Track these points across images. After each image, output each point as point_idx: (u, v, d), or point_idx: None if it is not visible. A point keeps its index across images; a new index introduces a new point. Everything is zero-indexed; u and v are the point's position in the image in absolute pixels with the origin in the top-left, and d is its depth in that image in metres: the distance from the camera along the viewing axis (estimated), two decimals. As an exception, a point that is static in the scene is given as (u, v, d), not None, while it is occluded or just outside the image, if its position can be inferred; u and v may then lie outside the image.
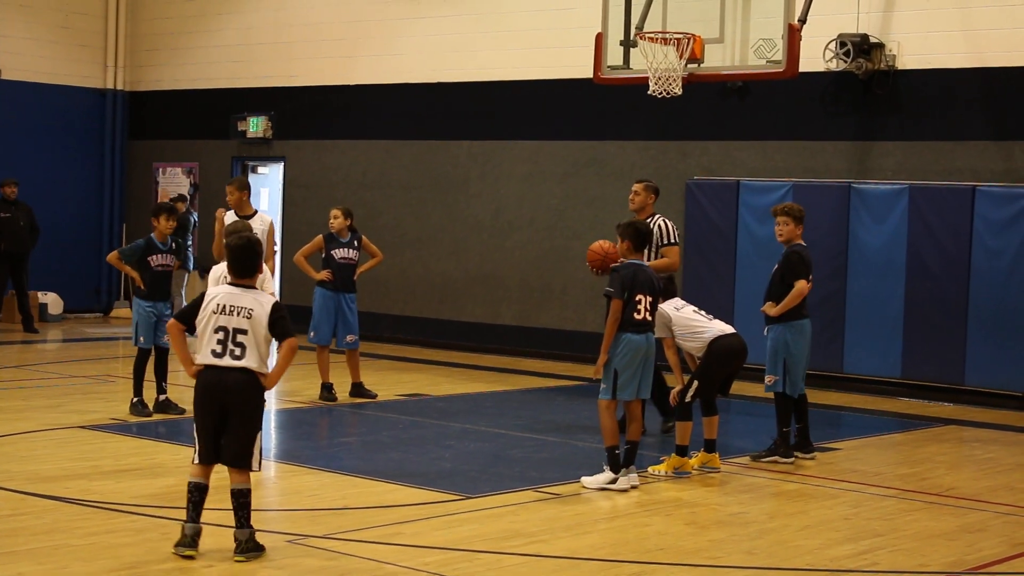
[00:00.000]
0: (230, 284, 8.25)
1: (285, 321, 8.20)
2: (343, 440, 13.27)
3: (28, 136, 23.27)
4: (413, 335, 20.82)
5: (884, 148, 16.97)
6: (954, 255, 16.14)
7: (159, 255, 13.33)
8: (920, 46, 16.62)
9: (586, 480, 10.63)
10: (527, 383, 17.10)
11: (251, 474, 8.15)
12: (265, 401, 8.26)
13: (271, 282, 13.42)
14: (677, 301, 11.64)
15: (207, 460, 8.12)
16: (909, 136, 16.77)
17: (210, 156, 23.51)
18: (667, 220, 13.04)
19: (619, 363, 10.51)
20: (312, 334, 14.77)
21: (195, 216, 22.65)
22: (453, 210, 20.61)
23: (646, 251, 12.72)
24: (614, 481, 10.52)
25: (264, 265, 9.28)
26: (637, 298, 10.53)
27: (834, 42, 16.66)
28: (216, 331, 8.05)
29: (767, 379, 11.97)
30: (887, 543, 9.16)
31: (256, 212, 14.85)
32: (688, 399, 11.26)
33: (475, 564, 8.22)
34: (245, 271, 8.25)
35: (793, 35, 14.10)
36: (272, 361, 8.21)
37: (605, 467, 10.59)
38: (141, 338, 13.27)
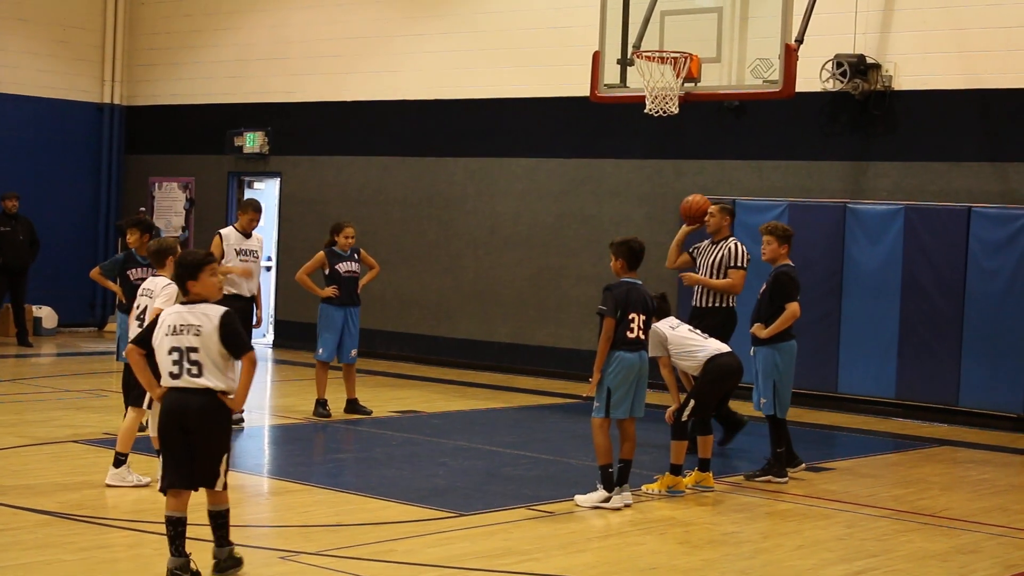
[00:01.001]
0: (182, 303, 8.02)
1: (238, 335, 7.93)
2: (337, 457, 13.25)
3: (25, 150, 23.26)
4: (408, 351, 20.81)
5: (880, 168, 16.98)
6: (949, 276, 16.15)
7: (138, 269, 13.26)
8: (916, 67, 16.65)
9: (579, 498, 10.62)
10: (521, 400, 17.08)
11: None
12: (232, 420, 8.03)
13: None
14: (672, 320, 11.64)
15: (175, 484, 7.84)
16: (905, 157, 16.79)
17: (206, 171, 23.52)
18: (740, 244, 13.23)
19: (612, 381, 10.51)
20: (320, 351, 14.74)
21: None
22: (449, 227, 20.62)
23: (713, 271, 12.83)
24: (607, 499, 10.51)
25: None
26: (630, 317, 10.53)
27: (831, 62, 16.69)
28: (170, 352, 7.84)
29: (759, 401, 11.99)
30: (881, 564, 9.16)
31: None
32: (684, 418, 11.26)
33: (468, 582, 8.22)
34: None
35: (790, 55, 14.10)
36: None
37: (598, 485, 10.58)
38: (124, 352, 13.22)
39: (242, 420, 14.08)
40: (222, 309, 7.97)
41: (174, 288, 10.55)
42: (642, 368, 10.62)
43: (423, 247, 20.85)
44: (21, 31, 23.32)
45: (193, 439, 7.81)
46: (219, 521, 7.95)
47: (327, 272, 14.75)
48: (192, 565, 7.79)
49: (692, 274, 13.26)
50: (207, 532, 8.03)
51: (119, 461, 10.69)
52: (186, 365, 7.81)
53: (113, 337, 14.00)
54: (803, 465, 12.28)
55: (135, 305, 11.12)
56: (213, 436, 7.88)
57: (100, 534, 9.08)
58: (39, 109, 23.46)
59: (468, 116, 20.40)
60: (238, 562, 8.03)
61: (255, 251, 14.44)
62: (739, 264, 13.06)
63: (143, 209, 23.26)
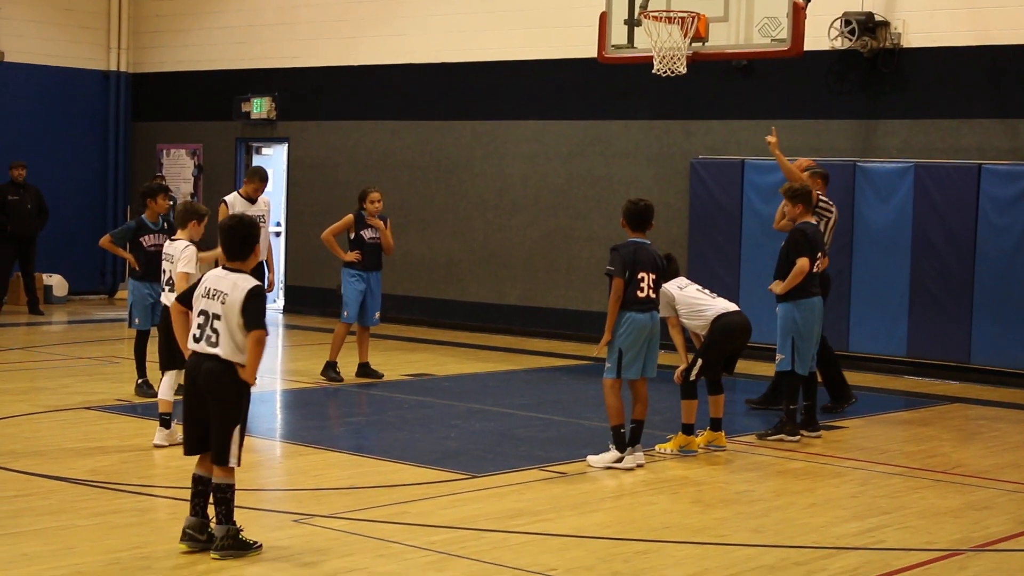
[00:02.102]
0: (222, 267, 7.98)
1: (255, 311, 7.80)
2: (349, 420, 13.28)
3: (32, 119, 23.23)
4: (418, 315, 20.81)
5: (889, 127, 16.93)
6: (960, 233, 16.11)
7: (151, 235, 13.31)
8: (925, 24, 16.57)
9: (592, 459, 10.63)
10: (532, 363, 17.09)
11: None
12: (245, 393, 7.85)
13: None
14: (681, 280, 11.61)
15: (190, 450, 7.88)
16: (914, 114, 16.72)
17: (214, 137, 23.49)
18: (828, 199, 13.24)
19: (623, 342, 10.50)
20: (345, 313, 14.77)
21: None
22: (457, 190, 20.59)
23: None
24: (620, 460, 10.52)
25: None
26: (639, 276, 10.50)
27: (839, 20, 16.61)
28: (199, 315, 7.84)
29: (776, 357, 11.96)
30: (893, 521, 9.17)
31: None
32: (693, 378, 11.26)
33: (481, 543, 8.23)
34: (235, 253, 7.94)
35: (798, 13, 14.04)
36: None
37: (611, 446, 10.59)
38: (136, 319, 13.25)
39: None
40: (254, 282, 7.90)
41: (193, 249, 10.66)
42: (653, 328, 10.60)
43: (432, 211, 20.83)
44: (26, 0, 23.25)
45: (208, 407, 7.79)
46: (218, 495, 7.75)
47: (352, 236, 14.77)
48: (210, 527, 7.82)
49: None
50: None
51: (166, 422, 10.76)
52: (207, 331, 7.80)
53: (124, 304, 14.02)
54: (820, 433, 12.21)
55: (163, 270, 11.22)
56: (221, 406, 7.80)
57: (113, 499, 9.10)
58: (45, 78, 23.42)
59: (475, 79, 20.34)
60: (243, 546, 7.76)
61: (261, 216, 14.45)
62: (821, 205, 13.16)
63: (160, 175, 23.22)
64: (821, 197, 12.97)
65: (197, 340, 7.82)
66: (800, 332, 11.84)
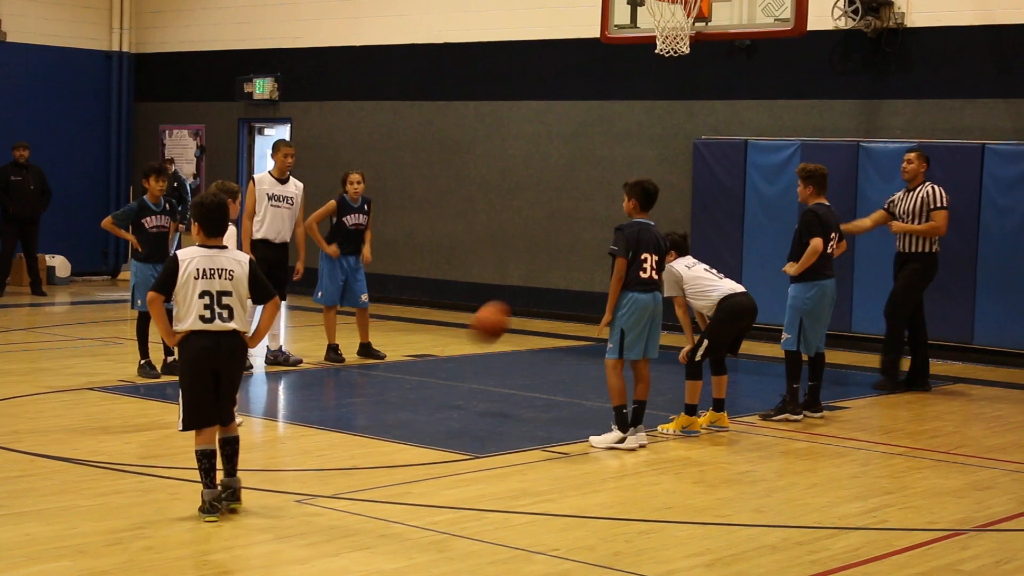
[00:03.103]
0: (200, 246, 8.13)
1: (265, 282, 8.27)
2: (351, 401, 13.28)
3: (34, 99, 23.21)
4: (420, 296, 20.81)
5: (893, 106, 16.89)
6: (963, 213, 16.06)
7: (153, 216, 13.29)
8: (929, 3, 16.52)
9: (594, 439, 10.64)
10: (535, 343, 17.08)
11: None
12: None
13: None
14: (688, 259, 11.59)
15: (206, 423, 8.09)
16: (918, 94, 16.69)
17: (216, 118, 23.47)
18: (936, 186, 13.72)
19: (625, 322, 10.49)
20: (320, 294, 14.76)
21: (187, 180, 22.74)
22: (460, 171, 20.57)
23: (914, 217, 13.51)
24: (622, 440, 10.52)
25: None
26: (643, 256, 10.49)
27: (843, 0, 16.57)
28: (201, 296, 7.99)
29: (782, 336, 12.00)
30: (896, 501, 9.16)
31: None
32: (698, 358, 11.25)
33: (483, 523, 8.23)
34: (217, 230, 8.19)
35: (801, -8, 14.02)
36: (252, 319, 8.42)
37: (613, 426, 10.59)
38: (139, 301, 13.24)
39: (251, 367, 14.16)
40: (247, 256, 8.30)
41: (234, 229, 10.84)
42: (656, 309, 10.59)
43: (434, 191, 20.81)
44: (28, -21, 23.26)
45: (222, 380, 8.10)
46: (234, 447, 8.21)
47: (334, 221, 14.71)
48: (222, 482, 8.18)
49: (899, 223, 13.74)
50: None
51: None
52: (217, 309, 8.03)
53: (127, 285, 14.02)
54: (823, 414, 12.20)
55: None
56: (238, 375, 8.24)
57: (115, 480, 9.11)
58: (47, 58, 23.39)
59: (478, 59, 20.31)
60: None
61: (290, 197, 14.22)
62: (940, 204, 13.58)
63: (169, 158, 23.21)
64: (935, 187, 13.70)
65: (208, 320, 8.02)
66: (809, 313, 11.86)
